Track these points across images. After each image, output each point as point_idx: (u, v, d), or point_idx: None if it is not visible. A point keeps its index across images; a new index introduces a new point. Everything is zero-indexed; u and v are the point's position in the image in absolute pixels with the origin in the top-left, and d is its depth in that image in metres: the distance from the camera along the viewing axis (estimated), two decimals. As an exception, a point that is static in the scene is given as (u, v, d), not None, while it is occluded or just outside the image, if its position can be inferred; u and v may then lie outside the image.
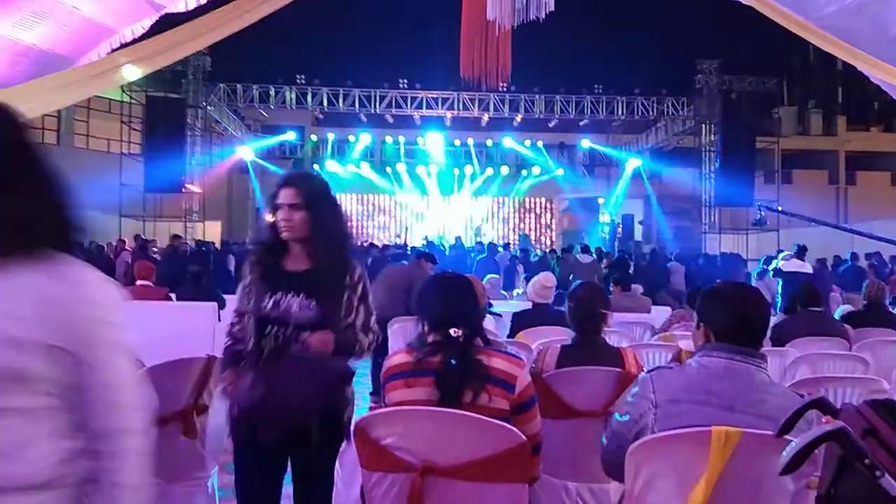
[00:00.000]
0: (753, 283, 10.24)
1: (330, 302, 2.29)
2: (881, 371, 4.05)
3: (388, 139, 23.18)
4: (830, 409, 1.51)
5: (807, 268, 9.46)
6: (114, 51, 9.13)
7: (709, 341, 1.97)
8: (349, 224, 2.41)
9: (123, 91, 17.67)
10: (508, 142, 23.11)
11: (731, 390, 1.86)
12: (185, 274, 7.83)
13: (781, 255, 10.33)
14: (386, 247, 15.01)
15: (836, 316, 5.99)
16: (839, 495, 1.35)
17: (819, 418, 1.53)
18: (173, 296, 7.31)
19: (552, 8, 7.12)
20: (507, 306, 6.99)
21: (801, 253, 9.52)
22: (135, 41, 9.11)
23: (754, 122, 18.88)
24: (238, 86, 19.66)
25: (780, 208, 15.39)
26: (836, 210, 26.53)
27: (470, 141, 23.38)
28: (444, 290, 2.25)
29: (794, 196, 22.72)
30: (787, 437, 1.54)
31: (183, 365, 2.62)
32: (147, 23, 9.22)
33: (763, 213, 10.92)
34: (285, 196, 2.34)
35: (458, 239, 18.67)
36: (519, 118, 20.80)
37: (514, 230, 25.36)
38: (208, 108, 19.44)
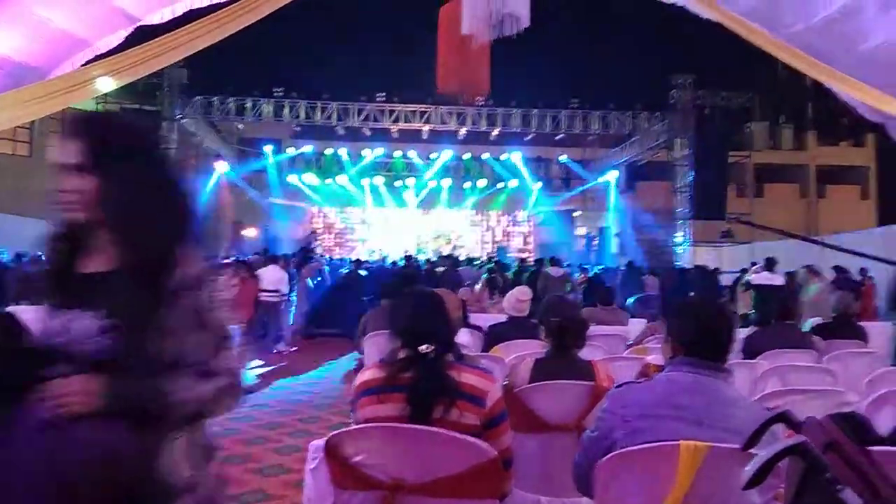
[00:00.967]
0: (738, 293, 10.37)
1: (133, 323, 1.41)
2: (849, 383, 4.11)
3: (366, 152, 23.20)
4: (794, 423, 1.53)
5: (776, 280, 9.61)
6: (88, 63, 9.05)
7: (676, 356, 2.00)
8: (184, 197, 1.57)
9: (97, 103, 17.49)
10: (485, 155, 23.26)
11: (699, 405, 1.88)
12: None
13: (752, 269, 10.49)
14: (359, 261, 14.94)
15: (807, 328, 6.07)
16: (802, 509, 1.37)
17: (784, 432, 1.56)
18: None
19: (527, 24, 7.20)
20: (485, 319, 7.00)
21: (770, 265, 9.67)
22: (109, 53, 9.04)
23: (727, 137, 19.19)
24: (214, 98, 19.57)
25: (750, 220, 15.63)
26: (807, 223, 27.00)
27: (447, 154, 23.50)
28: (415, 306, 2.25)
29: (766, 209, 23.13)
30: (752, 450, 1.56)
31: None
32: (122, 34, 9.17)
33: (730, 226, 11.12)
34: (62, 151, 1.47)
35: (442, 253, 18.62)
36: (496, 132, 20.93)
37: (491, 243, 25.45)
38: (184, 120, 19.31)
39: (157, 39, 8.61)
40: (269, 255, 12.35)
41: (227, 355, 1.51)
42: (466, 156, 23.42)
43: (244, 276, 10.10)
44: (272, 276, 10.86)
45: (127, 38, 9.13)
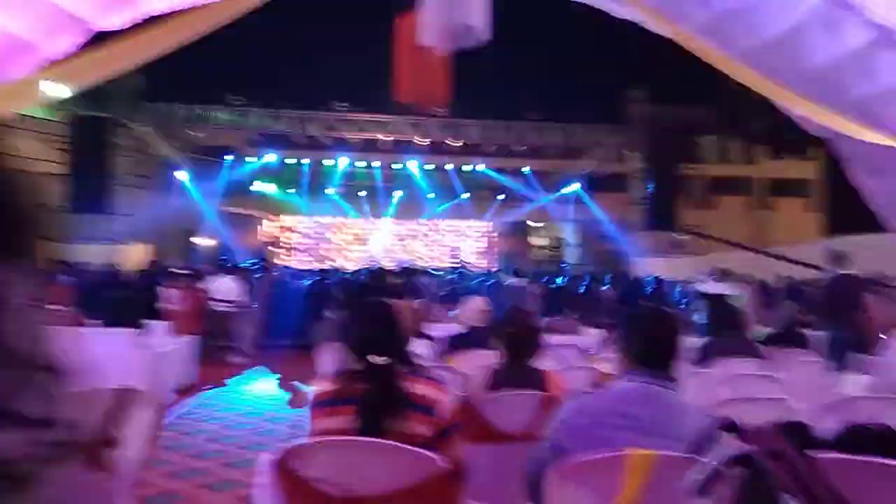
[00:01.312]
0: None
1: None
2: (795, 391, 4.22)
3: (326, 162, 23.07)
4: (739, 432, 1.56)
5: (727, 290, 9.81)
6: (39, 69, 8.81)
7: (626, 366, 2.02)
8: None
9: (48, 109, 17.03)
10: (448, 166, 23.36)
11: (649, 414, 1.91)
12: (105, 299, 7.57)
13: (703, 279, 10.71)
14: (324, 271, 14.81)
15: (755, 337, 6.21)
16: (745, 517, 1.39)
17: (730, 440, 1.58)
18: (95, 322, 7.05)
19: (487, 37, 7.22)
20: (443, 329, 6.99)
21: (721, 276, 9.88)
22: (62, 59, 8.81)
23: (679, 150, 19.62)
24: (171, 106, 19.22)
25: (701, 232, 16.00)
26: (757, 234, 27.73)
27: (409, 164, 23.52)
28: (367, 317, 2.23)
29: (718, 221, 23.67)
30: (699, 458, 1.58)
31: (93, 395, 2.50)
32: (75, 41, 8.94)
33: (679, 237, 11.40)
34: None
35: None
36: (457, 144, 21.03)
37: (451, 253, 25.50)
38: (139, 127, 18.93)
39: (111, 46, 8.42)
40: (223, 266, 12.16)
41: (47, 394, 1.06)
42: (428, 166, 23.47)
43: (191, 286, 9.93)
44: (225, 287, 10.69)
45: (81, 44, 8.92)
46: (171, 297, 9.58)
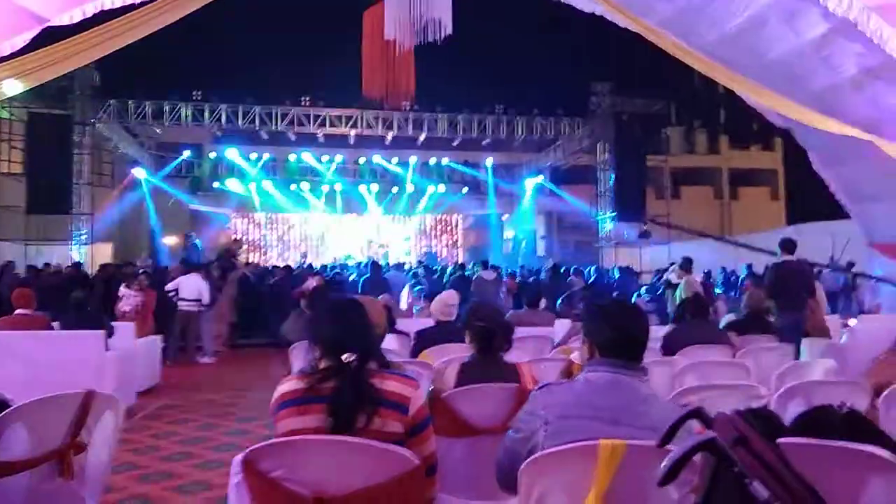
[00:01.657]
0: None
1: None
2: (762, 377, 4.30)
3: (291, 157, 22.82)
4: (706, 419, 1.58)
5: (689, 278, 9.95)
6: (-9, 65, 8.55)
7: (593, 356, 2.03)
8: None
9: (3, 107, 16.54)
10: (413, 160, 23.30)
11: (616, 404, 1.92)
12: (65, 301, 7.40)
13: (671, 268, 10.85)
14: (288, 267, 14.67)
15: (722, 325, 6.32)
16: (714, 503, 1.41)
17: (698, 427, 1.60)
18: (56, 324, 6.89)
19: (450, 31, 7.22)
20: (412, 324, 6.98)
21: (687, 265, 10.02)
22: (15, 55, 8.57)
23: (644, 142, 19.81)
24: (130, 102, 18.80)
25: (667, 222, 16.22)
26: (721, 223, 28.22)
27: (375, 159, 23.38)
28: (337, 315, 2.21)
29: (683, 211, 24.03)
30: (668, 447, 1.60)
31: (59, 401, 2.45)
32: (28, 36, 8.70)
33: (645, 227, 11.54)
34: None
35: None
36: (423, 137, 20.97)
37: (420, 248, 25.48)
38: (97, 125, 18.51)
39: (66, 41, 8.20)
40: (188, 264, 11.97)
41: None
42: (394, 160, 23.38)
43: (146, 286, 9.78)
44: (191, 285, 10.54)
45: (34, 39, 8.67)
46: (128, 297, 9.45)
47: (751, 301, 6.22)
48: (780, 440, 1.48)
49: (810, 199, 14.73)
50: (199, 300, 10.49)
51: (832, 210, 12.31)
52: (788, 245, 7.24)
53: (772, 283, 6.98)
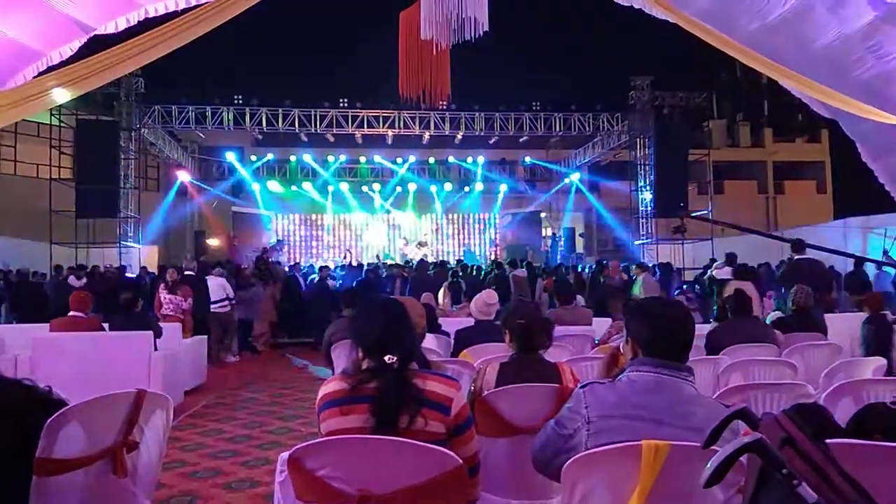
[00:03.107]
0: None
1: None
2: (809, 375, 4.20)
3: (330, 158, 23.07)
4: (752, 420, 1.55)
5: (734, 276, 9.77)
6: (41, 74, 8.85)
7: (637, 356, 2.02)
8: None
9: (52, 115, 17.09)
10: (451, 159, 23.34)
11: (660, 404, 1.90)
12: (114, 303, 7.62)
13: (714, 265, 10.65)
14: (324, 267, 14.81)
15: (768, 321, 6.18)
16: (761, 504, 1.39)
17: (744, 428, 1.58)
18: (106, 326, 7.10)
19: (486, 28, 7.21)
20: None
21: (730, 261, 9.84)
22: (63, 64, 8.84)
23: (686, 136, 19.48)
24: (173, 107, 19.26)
25: (707, 217, 15.89)
26: (766, 218, 27.59)
27: (412, 158, 23.49)
28: (378, 316, 2.23)
29: (727, 206, 23.58)
30: (713, 447, 1.58)
31: (112, 400, 2.52)
32: (76, 45, 8.97)
33: (682, 222, 11.35)
34: None
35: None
36: (460, 136, 20.99)
37: (459, 246, 25.51)
38: (142, 130, 19.00)
39: (112, 49, 8.43)
40: (219, 266, 11.99)
41: None
42: (431, 160, 23.46)
43: (184, 288, 9.92)
44: (215, 287, 10.65)
45: (81, 48, 8.94)
46: (171, 299, 9.64)
47: (798, 298, 6.07)
48: (829, 441, 1.45)
49: (859, 191, 14.28)
50: (226, 298, 10.60)
51: (882, 203, 11.93)
52: (798, 245, 7.44)
53: (782, 282, 7.00)
